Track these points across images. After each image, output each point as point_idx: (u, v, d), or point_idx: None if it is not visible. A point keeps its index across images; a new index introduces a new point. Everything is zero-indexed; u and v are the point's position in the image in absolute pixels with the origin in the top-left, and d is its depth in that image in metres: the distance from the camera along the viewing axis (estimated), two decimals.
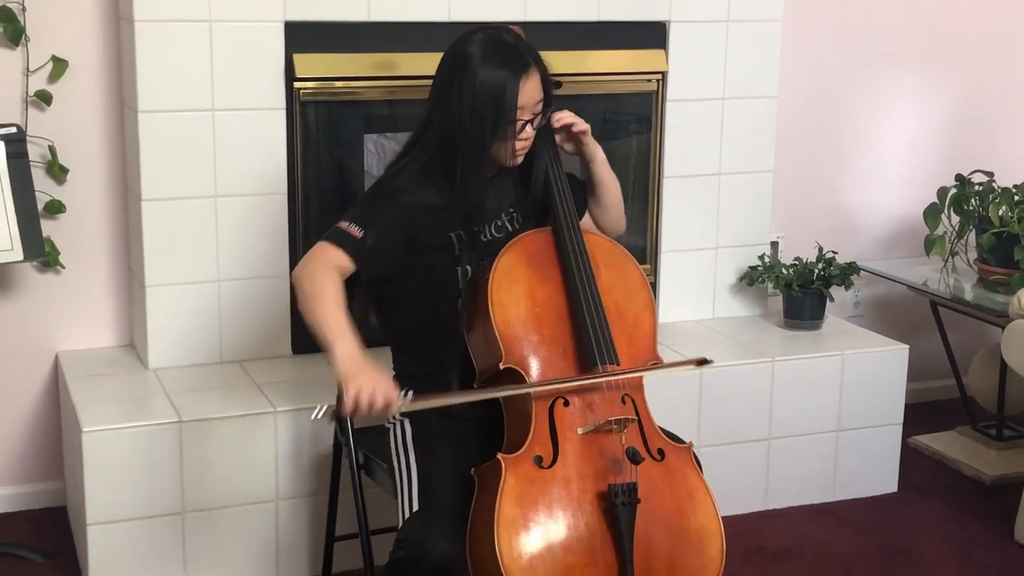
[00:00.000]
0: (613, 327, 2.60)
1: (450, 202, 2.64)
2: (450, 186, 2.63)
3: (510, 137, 2.61)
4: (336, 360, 2.42)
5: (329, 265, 2.55)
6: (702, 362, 2.63)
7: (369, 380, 2.37)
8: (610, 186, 2.87)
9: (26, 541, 3.47)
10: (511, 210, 2.76)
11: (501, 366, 2.52)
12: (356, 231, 2.57)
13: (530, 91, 2.61)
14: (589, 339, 2.56)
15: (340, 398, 2.42)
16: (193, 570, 3.23)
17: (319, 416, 2.42)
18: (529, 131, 2.64)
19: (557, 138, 2.78)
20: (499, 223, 2.74)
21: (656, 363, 2.68)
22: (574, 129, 2.77)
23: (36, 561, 3.39)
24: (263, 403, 3.29)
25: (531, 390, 2.51)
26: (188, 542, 3.22)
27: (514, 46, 2.64)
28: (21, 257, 3.32)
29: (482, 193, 2.65)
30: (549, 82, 2.67)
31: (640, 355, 2.66)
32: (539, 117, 2.65)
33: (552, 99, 2.69)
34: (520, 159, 2.68)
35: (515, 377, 2.53)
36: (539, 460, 2.46)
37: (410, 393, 2.51)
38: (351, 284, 2.64)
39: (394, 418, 2.75)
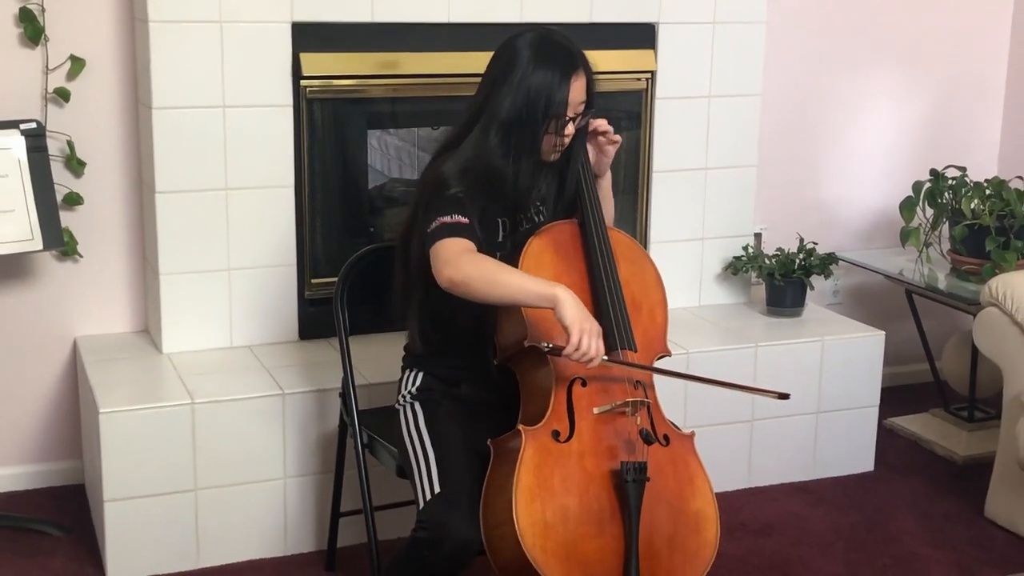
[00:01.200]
0: (630, 317, 2.63)
1: (500, 189, 2.63)
2: (501, 174, 2.62)
3: (554, 131, 2.62)
4: (564, 304, 2.39)
5: (471, 249, 2.50)
6: (783, 396, 2.61)
7: (592, 329, 2.40)
8: (609, 201, 2.88)
9: (46, 517, 3.48)
10: (538, 204, 2.77)
11: (525, 344, 2.54)
12: (463, 219, 2.53)
13: (577, 90, 2.62)
14: (610, 324, 2.58)
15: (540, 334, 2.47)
16: (205, 544, 3.24)
17: (545, 349, 2.46)
18: (571, 128, 2.65)
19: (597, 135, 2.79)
20: (529, 215, 2.75)
21: (657, 360, 2.71)
22: (609, 138, 2.77)
23: (55, 536, 3.39)
24: (272, 386, 3.30)
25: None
26: (200, 518, 3.23)
27: (566, 46, 2.65)
28: (41, 247, 3.32)
29: (532, 181, 2.66)
30: (593, 85, 2.68)
31: (653, 346, 2.70)
32: (580, 117, 2.66)
33: (594, 102, 2.69)
34: (558, 155, 2.69)
35: (537, 356, 2.54)
36: (556, 434, 2.48)
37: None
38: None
39: (403, 400, 2.76)
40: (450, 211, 2.53)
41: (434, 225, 2.52)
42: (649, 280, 2.75)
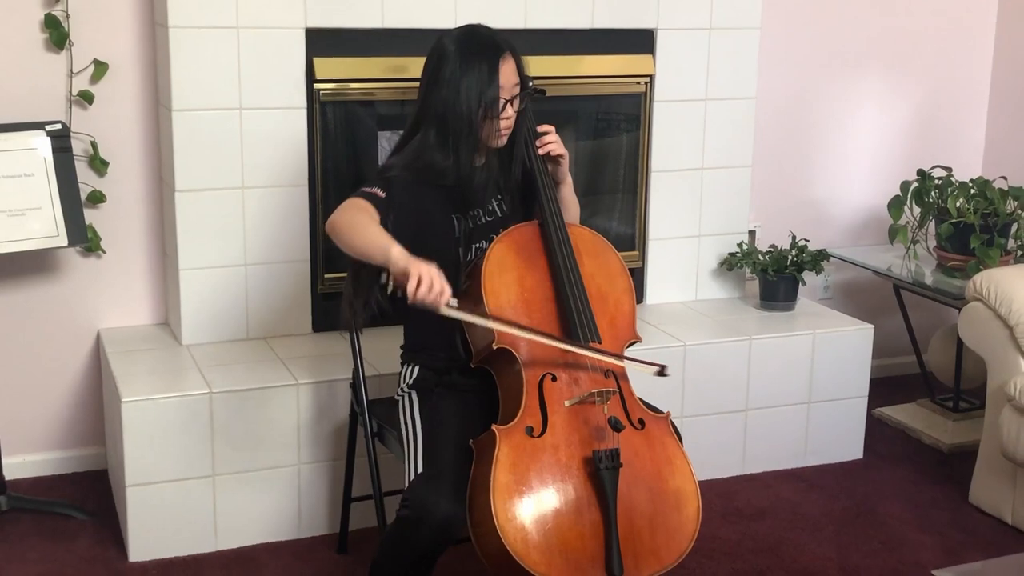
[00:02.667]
0: (595, 310, 2.62)
1: (447, 184, 2.64)
2: (445, 170, 2.63)
3: (494, 116, 2.61)
4: (395, 256, 2.41)
5: (361, 207, 2.56)
6: (661, 372, 2.61)
7: (429, 268, 2.39)
8: (571, 206, 2.87)
9: (71, 501, 3.48)
10: (499, 196, 2.76)
11: (494, 347, 2.53)
12: (380, 192, 2.59)
13: (507, 73, 2.62)
14: (573, 320, 2.57)
15: (388, 283, 2.44)
16: (223, 528, 3.24)
17: (385, 282, 2.44)
18: (510, 111, 2.65)
19: (539, 147, 2.76)
20: (490, 208, 2.74)
21: (628, 347, 2.69)
22: (553, 152, 2.76)
23: (80, 519, 3.39)
24: (286, 376, 3.29)
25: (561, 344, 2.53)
26: (218, 502, 3.23)
27: (488, 35, 2.66)
28: (66, 243, 3.32)
29: (473, 172, 2.65)
30: (523, 67, 2.68)
31: (621, 334, 2.67)
32: (517, 99, 2.65)
33: (527, 82, 2.70)
34: (504, 139, 2.68)
35: (507, 357, 2.53)
36: (530, 430, 2.46)
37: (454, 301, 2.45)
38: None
39: (402, 391, 2.75)
40: (374, 184, 2.60)
41: (358, 190, 2.60)
42: (614, 271, 2.73)
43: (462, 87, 2.59)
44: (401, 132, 3.67)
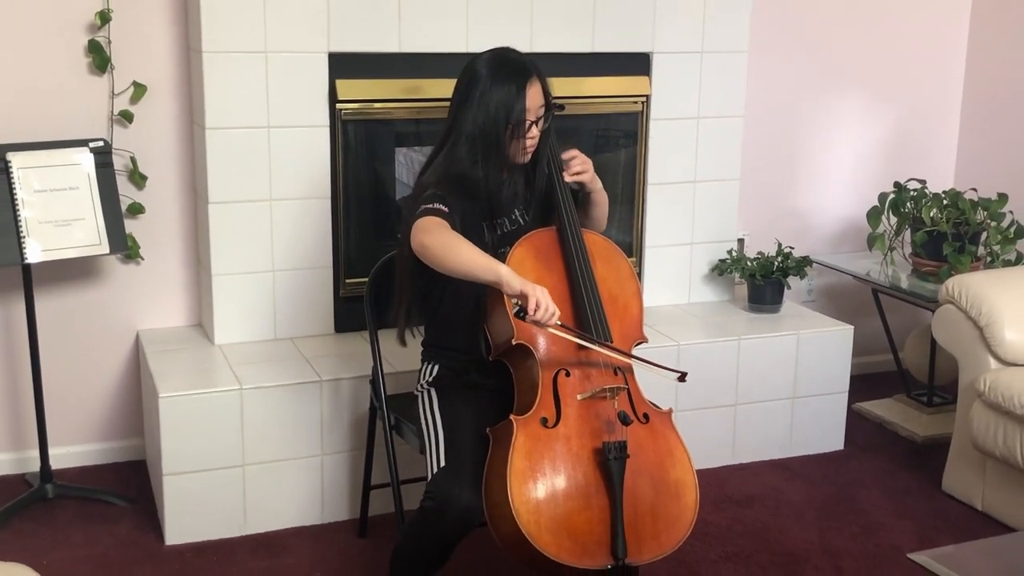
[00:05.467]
0: (607, 311, 2.62)
1: (474, 191, 2.63)
2: (476, 183, 2.63)
3: (520, 136, 2.61)
4: (507, 278, 2.39)
5: (444, 226, 2.50)
6: (682, 377, 2.60)
7: (543, 290, 2.38)
8: (602, 203, 2.87)
9: (112, 489, 3.50)
10: (520, 207, 2.77)
11: (513, 342, 2.53)
12: (443, 207, 2.54)
13: (534, 96, 2.62)
14: (587, 320, 2.58)
15: (517, 307, 2.41)
16: (252, 513, 3.26)
17: (517, 314, 2.39)
18: (535, 131, 2.65)
19: (567, 175, 2.76)
20: (513, 217, 2.75)
21: (635, 346, 2.69)
22: (583, 179, 2.77)
23: (120, 506, 3.41)
24: (311, 373, 3.31)
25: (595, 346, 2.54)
26: (248, 490, 3.24)
27: (517, 59, 2.65)
28: (107, 251, 3.34)
29: (500, 185, 2.65)
30: (549, 89, 2.68)
31: (629, 334, 2.68)
32: (542, 119, 2.65)
33: (552, 104, 2.69)
34: (529, 156, 2.68)
35: (525, 352, 2.54)
36: (544, 421, 2.48)
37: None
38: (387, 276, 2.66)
39: (421, 387, 2.77)
40: (433, 202, 2.54)
41: (418, 211, 2.54)
42: (624, 275, 2.73)
43: (491, 107, 2.58)
44: (417, 148, 3.75)
